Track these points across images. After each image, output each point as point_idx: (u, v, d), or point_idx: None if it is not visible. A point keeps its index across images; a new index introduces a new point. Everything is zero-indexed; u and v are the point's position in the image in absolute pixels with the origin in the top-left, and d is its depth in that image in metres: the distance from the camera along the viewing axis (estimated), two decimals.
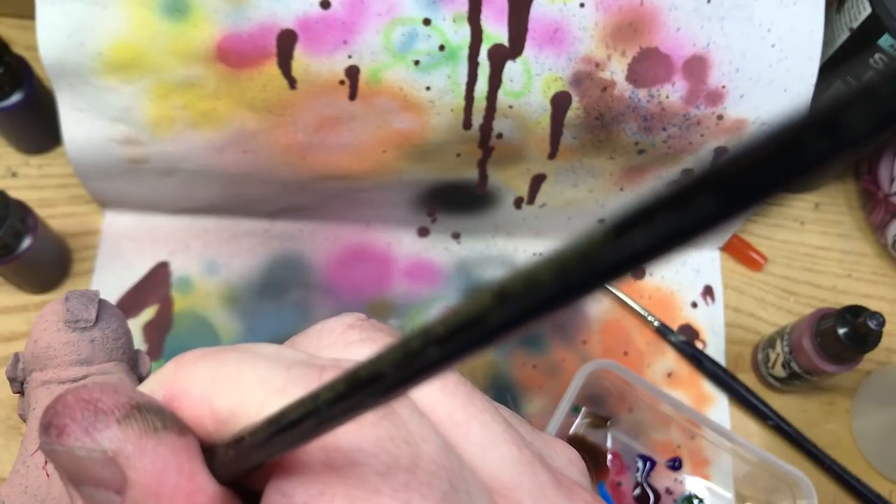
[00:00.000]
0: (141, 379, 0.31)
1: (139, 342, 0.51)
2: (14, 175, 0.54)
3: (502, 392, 0.52)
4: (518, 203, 0.53)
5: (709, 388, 0.54)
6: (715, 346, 0.55)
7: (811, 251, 0.59)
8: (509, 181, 0.51)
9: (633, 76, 0.44)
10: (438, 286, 0.54)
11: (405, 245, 0.55)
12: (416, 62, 0.43)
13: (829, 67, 0.53)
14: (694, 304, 0.56)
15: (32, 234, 0.46)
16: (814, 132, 0.06)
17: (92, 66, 0.43)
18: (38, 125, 0.52)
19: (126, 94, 0.44)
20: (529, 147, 0.47)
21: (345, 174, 0.49)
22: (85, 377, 0.28)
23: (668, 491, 0.51)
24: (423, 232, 0.55)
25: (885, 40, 0.48)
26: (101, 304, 0.30)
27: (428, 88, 0.44)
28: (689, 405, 0.49)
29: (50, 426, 0.12)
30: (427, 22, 0.42)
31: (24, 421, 0.29)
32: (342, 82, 0.43)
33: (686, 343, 0.54)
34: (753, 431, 0.53)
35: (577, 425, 0.51)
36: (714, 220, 0.07)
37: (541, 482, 0.15)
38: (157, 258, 0.53)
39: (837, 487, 0.50)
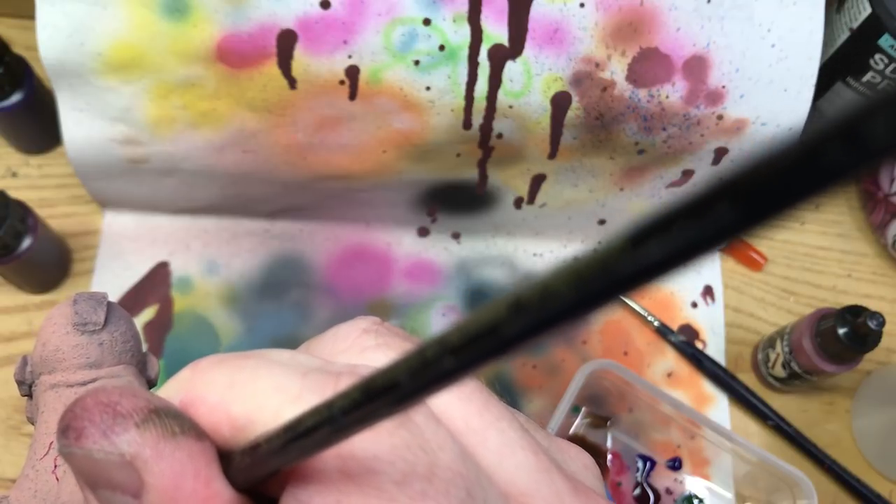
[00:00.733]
0: (150, 381, 0.31)
1: None
2: (14, 175, 0.54)
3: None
4: (518, 203, 0.53)
5: (709, 388, 0.54)
6: (715, 346, 0.55)
7: (811, 251, 0.59)
8: (509, 181, 0.51)
9: (633, 76, 0.44)
10: (438, 286, 0.54)
11: (405, 245, 0.55)
12: (416, 62, 0.43)
13: (829, 67, 0.53)
14: (694, 304, 0.56)
15: (32, 234, 0.46)
16: (835, 141, 0.06)
17: (92, 66, 0.42)
18: (38, 125, 0.52)
19: (126, 94, 0.44)
20: (529, 147, 0.47)
21: (345, 174, 0.49)
22: (94, 380, 0.28)
23: (668, 491, 0.51)
24: (423, 232, 0.55)
25: (885, 40, 0.48)
26: (110, 306, 0.29)
27: (428, 88, 0.44)
28: (689, 405, 0.49)
29: (68, 429, 0.12)
30: (427, 22, 0.42)
31: (33, 424, 0.29)
32: (342, 82, 0.43)
33: (686, 343, 0.54)
34: (753, 431, 0.53)
35: (577, 425, 0.51)
36: (733, 230, 0.07)
37: (557, 488, 0.15)
38: (157, 258, 0.53)
39: (837, 487, 0.50)
